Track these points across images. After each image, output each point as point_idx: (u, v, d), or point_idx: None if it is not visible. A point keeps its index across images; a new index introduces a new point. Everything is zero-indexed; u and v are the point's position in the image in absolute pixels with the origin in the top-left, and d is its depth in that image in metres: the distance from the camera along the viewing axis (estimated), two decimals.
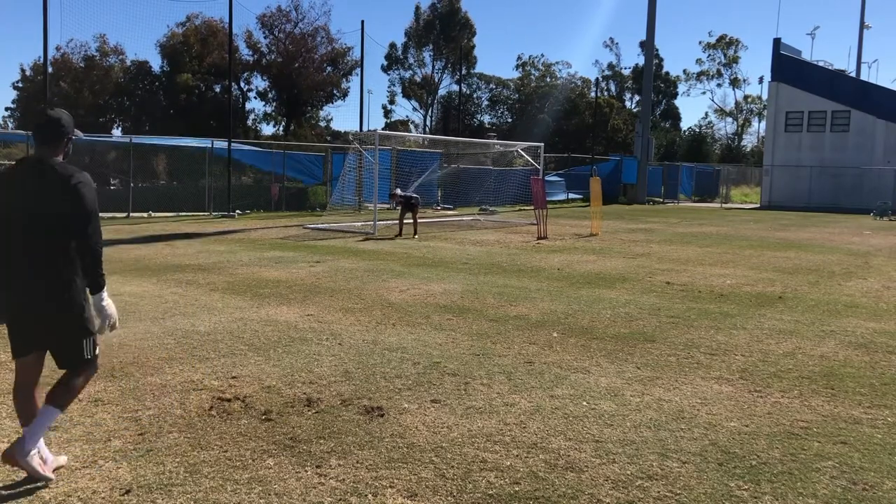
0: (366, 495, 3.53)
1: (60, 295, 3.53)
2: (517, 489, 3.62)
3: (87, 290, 3.63)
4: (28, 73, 45.91)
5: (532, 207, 19.85)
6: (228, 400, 4.86)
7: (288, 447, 4.09)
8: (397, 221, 17.68)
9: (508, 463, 3.93)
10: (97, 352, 3.71)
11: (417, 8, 58.22)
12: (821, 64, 43.32)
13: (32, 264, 3.51)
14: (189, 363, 5.75)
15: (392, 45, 59.25)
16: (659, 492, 3.62)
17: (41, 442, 3.62)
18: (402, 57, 59.81)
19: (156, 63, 44.48)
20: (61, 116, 3.67)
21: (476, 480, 3.72)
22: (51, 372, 3.74)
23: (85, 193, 3.51)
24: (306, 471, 3.79)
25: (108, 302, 3.67)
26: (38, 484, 3.58)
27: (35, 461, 3.55)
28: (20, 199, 3.53)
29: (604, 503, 3.50)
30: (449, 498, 3.53)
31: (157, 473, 3.72)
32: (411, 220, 17.46)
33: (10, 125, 48.90)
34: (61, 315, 3.57)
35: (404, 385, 5.27)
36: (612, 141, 56.64)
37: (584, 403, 4.94)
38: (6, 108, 51.49)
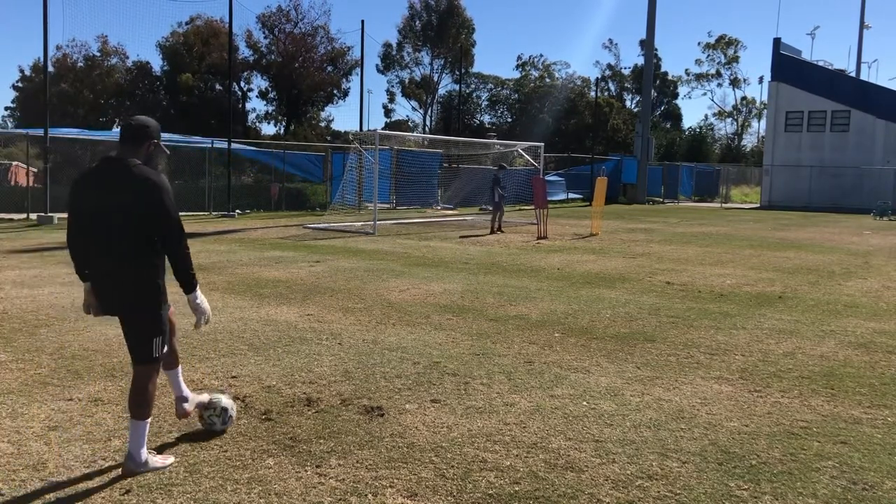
0: (366, 495, 3.53)
1: (134, 294, 3.60)
2: (517, 489, 3.62)
3: (161, 291, 3.70)
4: (27, 72, 45.93)
5: (532, 207, 19.87)
6: None
7: (288, 447, 4.09)
8: (490, 221, 18.94)
9: (508, 463, 3.93)
10: (164, 350, 3.77)
11: (412, 6, 58.01)
12: (821, 64, 43.38)
13: (108, 263, 3.59)
14: (189, 363, 5.74)
15: (387, 45, 59.09)
16: (659, 491, 3.62)
17: (185, 390, 4.10)
18: (397, 56, 59.65)
19: (157, 63, 44.55)
20: (149, 122, 3.75)
21: (476, 480, 3.72)
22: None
23: (160, 195, 3.55)
24: (306, 470, 3.79)
25: (201, 300, 3.78)
26: (38, 484, 3.59)
27: (152, 462, 3.73)
28: (97, 199, 3.58)
29: (604, 503, 3.50)
30: (449, 498, 3.53)
31: (157, 473, 3.72)
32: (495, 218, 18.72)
33: (9, 125, 48.92)
34: (134, 314, 3.67)
35: (404, 385, 5.27)
36: (612, 141, 56.63)
37: (584, 403, 4.94)
38: (6, 108, 51.53)
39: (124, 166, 3.58)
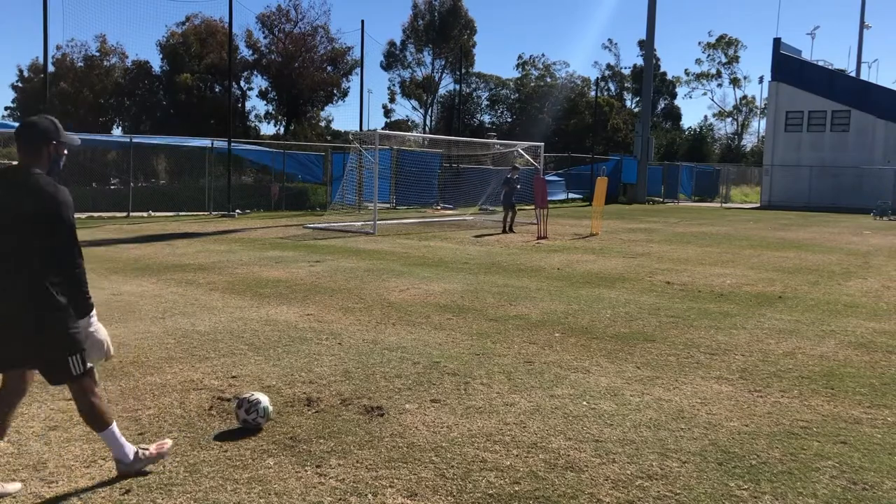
0: (366, 495, 3.53)
1: (35, 313, 3.26)
2: (517, 489, 3.62)
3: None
4: (25, 73, 45.94)
5: (533, 207, 19.88)
6: (228, 399, 4.86)
7: (288, 447, 4.09)
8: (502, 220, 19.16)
9: (508, 462, 3.93)
10: (88, 365, 3.43)
11: (415, 6, 58.09)
12: (821, 64, 43.35)
13: (5, 279, 3.27)
14: (189, 363, 5.75)
15: (391, 44, 59.19)
16: (659, 491, 3.62)
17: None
18: (400, 55, 59.72)
19: (156, 63, 44.52)
20: (38, 122, 3.39)
21: (476, 480, 3.72)
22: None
23: (56, 207, 3.26)
24: (306, 470, 3.79)
25: (96, 328, 3.43)
26: (38, 483, 3.59)
27: (143, 455, 3.68)
28: None
29: (604, 503, 3.50)
30: (449, 497, 3.53)
31: (157, 473, 3.72)
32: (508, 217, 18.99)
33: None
34: (38, 335, 3.29)
35: (404, 385, 5.27)
36: (612, 141, 56.64)
37: (584, 403, 4.94)
38: (6, 108, 51.55)
39: (23, 175, 3.31)
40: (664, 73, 70.68)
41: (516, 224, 19.25)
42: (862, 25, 54.44)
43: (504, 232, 18.57)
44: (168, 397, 4.90)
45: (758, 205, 39.94)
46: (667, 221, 24.29)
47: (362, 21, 36.44)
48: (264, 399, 4.36)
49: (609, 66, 72.11)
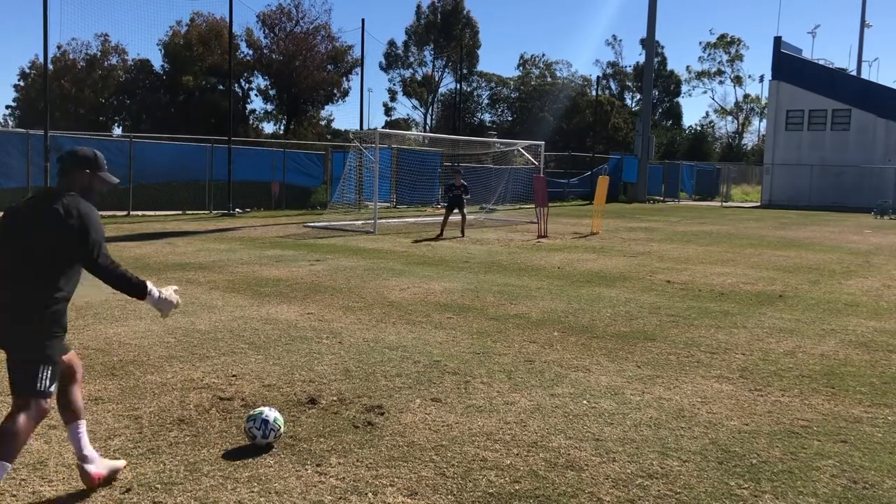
0: (366, 493, 3.53)
1: (24, 322, 3.28)
2: (517, 487, 3.62)
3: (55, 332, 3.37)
4: (27, 70, 45.93)
5: (534, 206, 19.86)
6: (229, 398, 4.87)
7: (288, 445, 4.09)
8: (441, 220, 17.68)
9: (509, 461, 3.93)
10: (53, 388, 3.34)
11: (419, 7, 58.21)
12: (821, 62, 43.32)
13: (11, 290, 3.33)
14: (189, 361, 5.75)
15: (391, 44, 59.24)
16: (659, 490, 3.62)
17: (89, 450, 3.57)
18: (402, 55, 59.79)
19: (157, 61, 44.53)
20: (78, 151, 3.58)
21: (476, 479, 3.72)
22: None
23: (88, 226, 3.41)
24: (306, 469, 3.79)
25: (158, 297, 3.72)
26: (39, 482, 3.59)
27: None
28: (18, 227, 3.40)
29: (604, 502, 3.50)
30: (449, 496, 3.53)
31: (158, 472, 3.72)
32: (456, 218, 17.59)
33: (10, 123, 48.95)
34: (21, 341, 3.30)
35: (404, 384, 5.27)
36: (613, 140, 56.64)
37: (585, 402, 4.94)
38: (7, 107, 51.58)
39: (56, 198, 3.42)
40: (671, 73, 70.63)
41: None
42: (863, 24, 54.42)
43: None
44: (168, 396, 4.90)
45: (758, 204, 39.92)
46: (667, 220, 24.29)
47: (363, 20, 36.48)
48: (266, 412, 4.12)
49: (611, 64, 72.10)
